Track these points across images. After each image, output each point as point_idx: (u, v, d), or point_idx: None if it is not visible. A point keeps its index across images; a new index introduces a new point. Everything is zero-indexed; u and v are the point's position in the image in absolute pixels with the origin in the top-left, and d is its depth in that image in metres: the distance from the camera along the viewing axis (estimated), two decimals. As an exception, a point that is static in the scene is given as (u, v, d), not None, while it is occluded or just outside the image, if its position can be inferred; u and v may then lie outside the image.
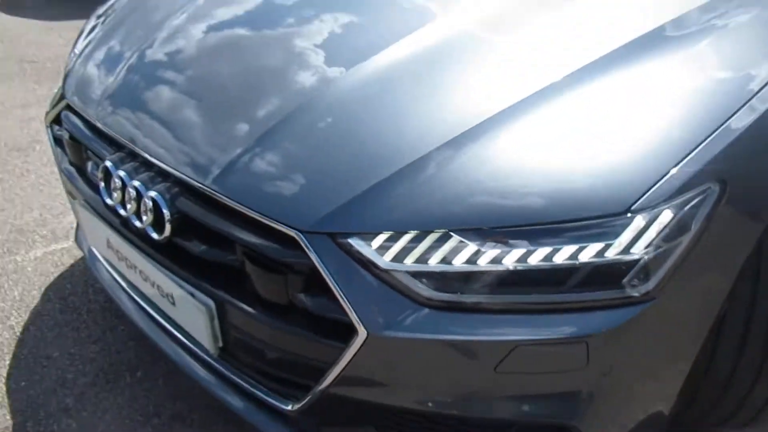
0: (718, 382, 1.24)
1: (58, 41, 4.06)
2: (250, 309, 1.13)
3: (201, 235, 1.19)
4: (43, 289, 2.03)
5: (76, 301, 1.98)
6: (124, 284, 1.52)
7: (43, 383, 1.70)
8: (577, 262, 0.96)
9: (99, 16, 1.94)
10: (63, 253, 2.18)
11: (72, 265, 2.13)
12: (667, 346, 1.07)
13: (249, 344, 1.20)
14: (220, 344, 1.24)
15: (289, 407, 1.19)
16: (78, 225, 1.85)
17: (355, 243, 1.01)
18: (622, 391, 1.07)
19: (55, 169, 2.65)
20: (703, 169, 1.00)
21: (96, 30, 1.83)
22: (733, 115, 1.08)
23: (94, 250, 1.63)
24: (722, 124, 1.06)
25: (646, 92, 1.14)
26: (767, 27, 1.30)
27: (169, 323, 1.39)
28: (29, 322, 1.90)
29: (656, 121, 1.09)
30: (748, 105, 1.10)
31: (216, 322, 1.20)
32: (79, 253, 2.17)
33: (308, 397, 1.14)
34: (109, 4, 2.00)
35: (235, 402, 1.30)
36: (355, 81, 1.21)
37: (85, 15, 4.32)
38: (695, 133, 1.05)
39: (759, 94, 1.12)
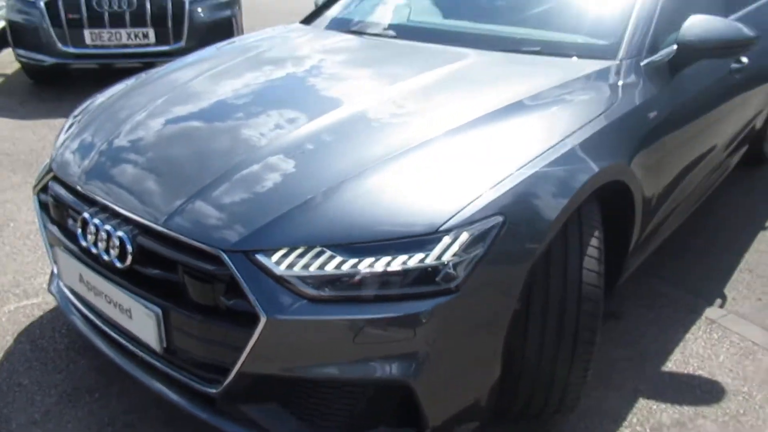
0: (529, 374, 1.71)
1: (31, 137, 4.53)
2: (186, 312, 1.57)
3: (152, 262, 1.65)
4: (15, 334, 2.39)
5: (44, 343, 2.35)
6: (89, 314, 1.93)
7: (15, 404, 2.05)
8: (407, 267, 1.45)
9: (75, 116, 2.44)
10: (33, 308, 2.56)
11: (41, 317, 2.50)
12: (475, 330, 1.54)
13: (185, 340, 1.62)
14: (164, 345, 1.66)
15: (214, 390, 1.60)
16: (51, 276, 2.27)
17: (261, 257, 1.48)
18: (446, 367, 1.53)
19: (27, 242, 3.07)
20: (491, 205, 1.53)
21: (74, 126, 2.33)
22: (520, 168, 1.63)
23: (65, 288, 2.05)
24: (509, 175, 1.60)
25: (484, 148, 1.72)
26: (589, 105, 1.94)
27: (124, 338, 1.80)
28: (3, 359, 2.26)
29: (473, 168, 1.63)
30: (532, 162, 1.66)
31: (162, 326, 1.63)
32: (47, 307, 2.56)
33: (228, 379, 1.56)
34: (82, 107, 2.50)
35: (173, 394, 1.71)
36: (274, 147, 1.75)
37: (55, 115, 4.88)
38: (492, 179, 1.59)
39: (544, 155, 1.69)
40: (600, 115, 1.91)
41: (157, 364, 1.72)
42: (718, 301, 2.70)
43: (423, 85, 2.07)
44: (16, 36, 5.33)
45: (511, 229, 1.54)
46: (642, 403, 2.10)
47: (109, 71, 5.26)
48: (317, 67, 2.36)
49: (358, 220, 1.52)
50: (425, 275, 1.46)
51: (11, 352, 2.30)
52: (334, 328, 1.46)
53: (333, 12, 3.03)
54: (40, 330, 2.42)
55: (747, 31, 2.25)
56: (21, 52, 5.37)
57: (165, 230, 1.61)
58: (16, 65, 5.90)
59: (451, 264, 1.46)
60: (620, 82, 2.08)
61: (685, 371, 2.26)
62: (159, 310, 1.62)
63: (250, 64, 2.43)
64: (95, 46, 5.21)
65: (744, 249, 3.10)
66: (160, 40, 5.26)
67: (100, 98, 2.49)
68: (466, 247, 1.48)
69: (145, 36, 5.24)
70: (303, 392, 1.58)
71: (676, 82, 2.28)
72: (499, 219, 1.53)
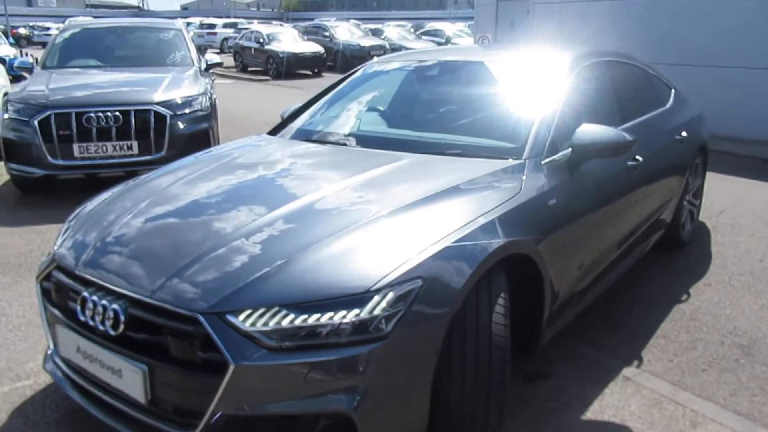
0: (455, 411, 2.07)
1: (20, 242, 4.89)
2: (169, 366, 1.93)
3: (140, 328, 2.01)
4: (10, 411, 2.67)
5: (36, 417, 2.63)
6: (82, 382, 2.25)
7: (10, 468, 2.31)
8: (345, 320, 1.85)
9: (70, 221, 2.84)
10: (26, 389, 2.84)
11: (33, 396, 2.79)
12: (404, 370, 1.92)
13: (167, 391, 1.96)
14: (149, 397, 1.99)
15: (191, 433, 1.93)
16: (45, 357, 2.58)
17: (231, 317, 1.87)
18: (381, 401, 1.88)
19: (18, 333, 3.39)
20: (413, 271, 1.96)
21: (69, 229, 2.72)
22: (438, 241, 2.07)
23: (60, 362, 2.37)
24: (428, 247, 2.04)
25: (410, 226, 2.16)
26: (497, 194, 2.42)
27: (113, 398, 2.12)
28: (0, 432, 2.52)
29: (401, 241, 2.07)
30: (447, 236, 2.10)
31: (148, 381, 1.97)
32: (38, 387, 2.84)
33: (203, 421, 1.89)
34: (75, 212, 2.89)
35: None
36: (239, 234, 2.17)
37: (42, 222, 5.31)
38: (415, 250, 2.02)
39: (457, 231, 2.13)
40: (505, 202, 2.39)
41: (141, 417, 2.04)
42: (636, 362, 3.09)
43: (365, 181, 2.55)
44: (9, 151, 5.81)
45: (429, 289, 1.96)
46: (562, 446, 2.44)
47: (93, 180, 5.72)
48: (281, 169, 2.84)
49: (307, 284, 1.93)
50: (361, 326, 1.85)
51: (6, 426, 2.57)
52: (289, 371, 1.83)
53: (296, 124, 3.57)
54: (32, 407, 2.70)
55: (627, 136, 2.81)
56: (13, 165, 5.81)
57: (153, 301, 1.99)
58: (4, 177, 6.34)
59: (380, 317, 1.86)
60: (524, 177, 2.59)
61: (601, 419, 2.62)
62: (145, 367, 1.97)
63: (222, 169, 2.90)
64: (83, 158, 5.69)
65: (661, 319, 3.54)
66: (143, 150, 5.77)
67: (90, 205, 2.88)
68: (393, 304, 1.89)
69: (129, 148, 5.75)
70: (262, 429, 1.91)
71: (575, 177, 2.80)
72: (419, 282, 1.95)
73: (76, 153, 5.67)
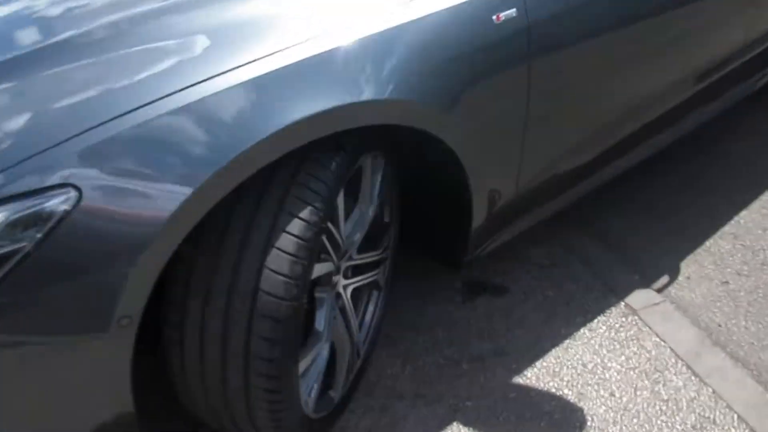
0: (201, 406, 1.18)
1: None
2: None
3: None
4: None
5: None
6: None
7: None
8: None
9: None
10: None
11: None
12: (52, 354, 1.00)
13: None
14: None
15: None
16: None
17: None
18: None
19: None
20: (57, 169, 0.94)
21: None
22: (149, 101, 1.01)
23: None
24: (118, 116, 0.99)
25: (117, 63, 1.10)
26: None
27: None
28: None
29: (70, 102, 1.04)
30: (182, 91, 1.03)
31: None
32: None
33: None
34: None
35: None
36: None
37: None
38: (86, 120, 0.98)
39: (211, 80, 1.05)
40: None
41: None
42: (665, 278, 1.96)
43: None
44: None
45: (94, 208, 0.95)
46: (454, 430, 1.51)
47: None
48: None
49: None
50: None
51: None
52: None
53: None
54: None
55: None
56: None
57: None
58: None
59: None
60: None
61: (545, 387, 1.62)
62: None
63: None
64: None
65: (739, 206, 2.26)
66: None
67: None
68: (6, 235, 0.92)
69: None
70: None
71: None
72: (72, 194, 0.94)
73: None
